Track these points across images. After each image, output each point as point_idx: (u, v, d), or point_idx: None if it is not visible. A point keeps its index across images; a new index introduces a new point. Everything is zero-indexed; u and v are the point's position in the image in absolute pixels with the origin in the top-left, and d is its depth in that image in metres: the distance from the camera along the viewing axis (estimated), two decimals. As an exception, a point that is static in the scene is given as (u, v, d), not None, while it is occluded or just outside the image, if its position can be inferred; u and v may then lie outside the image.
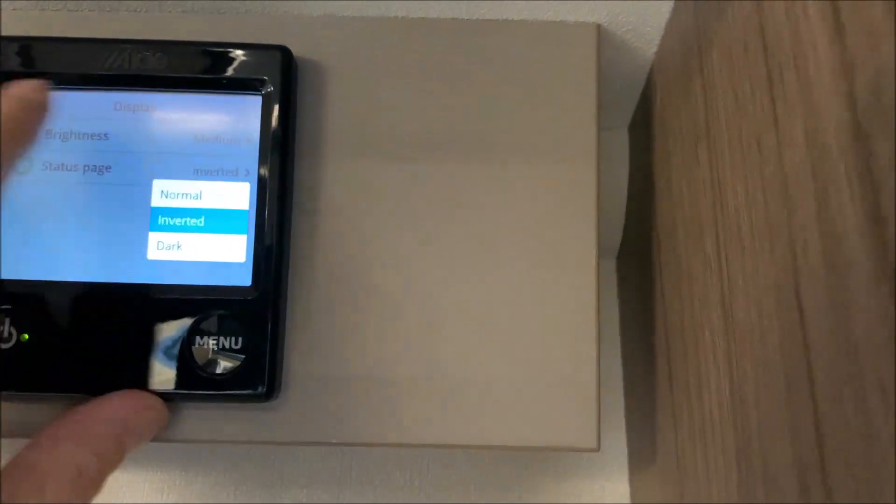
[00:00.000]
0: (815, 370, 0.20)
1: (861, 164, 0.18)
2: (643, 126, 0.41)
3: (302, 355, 0.34)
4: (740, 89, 0.26)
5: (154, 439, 0.33)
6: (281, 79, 0.34)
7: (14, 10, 0.36)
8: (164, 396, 0.33)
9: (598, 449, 0.33)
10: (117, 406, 0.31)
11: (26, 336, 0.33)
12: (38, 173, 0.34)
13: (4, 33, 0.35)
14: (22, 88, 0.28)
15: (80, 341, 0.33)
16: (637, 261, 0.42)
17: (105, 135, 0.34)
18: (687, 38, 0.33)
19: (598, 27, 0.36)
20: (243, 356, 0.33)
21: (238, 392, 0.33)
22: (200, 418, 0.34)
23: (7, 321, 0.33)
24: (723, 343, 0.28)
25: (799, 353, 0.21)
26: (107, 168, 0.34)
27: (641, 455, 0.41)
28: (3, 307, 0.33)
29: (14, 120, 0.27)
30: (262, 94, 0.34)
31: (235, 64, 0.34)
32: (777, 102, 0.23)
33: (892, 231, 0.17)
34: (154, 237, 0.34)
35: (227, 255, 0.33)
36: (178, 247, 0.34)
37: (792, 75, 0.22)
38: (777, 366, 0.23)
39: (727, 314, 0.27)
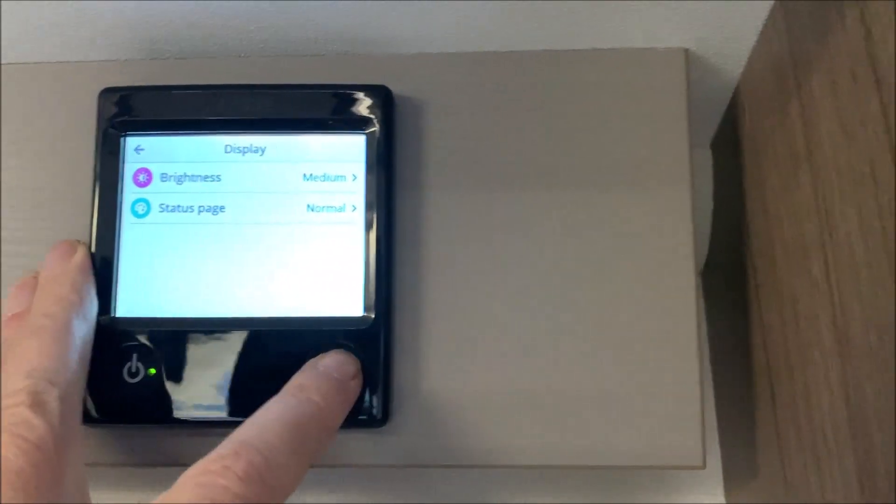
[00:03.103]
0: (950, 397, 0.21)
1: None
2: (729, 145, 0.42)
3: (409, 380, 0.35)
4: (848, 117, 0.27)
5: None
6: (383, 117, 0.35)
7: (126, 60, 0.38)
8: (284, 425, 0.34)
9: (703, 466, 0.34)
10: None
11: (153, 371, 0.34)
12: (155, 215, 0.36)
13: (119, 84, 0.36)
14: (339, 370, 0.33)
15: (204, 374, 0.34)
16: (726, 278, 0.43)
17: (217, 176, 0.36)
18: (780, 62, 0.33)
19: (687, 52, 0.37)
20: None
21: (355, 417, 0.34)
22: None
23: (135, 357, 0.35)
24: (836, 364, 0.28)
25: (929, 379, 0.22)
26: (220, 208, 0.36)
27: (739, 470, 0.41)
28: (132, 344, 0.35)
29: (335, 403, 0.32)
30: (365, 133, 0.36)
31: (339, 104, 0.36)
32: (892, 132, 0.24)
33: None
34: (267, 272, 0.35)
35: (339, 286, 0.35)
36: (292, 281, 0.35)
37: (910, 108, 0.23)
38: (904, 390, 0.23)
39: (840, 336, 0.28)
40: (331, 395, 0.31)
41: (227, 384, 0.34)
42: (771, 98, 0.35)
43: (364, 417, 0.34)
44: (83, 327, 0.32)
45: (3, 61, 0.38)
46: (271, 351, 0.34)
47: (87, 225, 0.35)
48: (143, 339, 0.35)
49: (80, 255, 0.34)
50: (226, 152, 0.36)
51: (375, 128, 0.36)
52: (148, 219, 0.36)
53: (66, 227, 0.36)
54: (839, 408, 0.28)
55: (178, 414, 0.34)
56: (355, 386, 0.33)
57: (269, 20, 0.36)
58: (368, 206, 0.35)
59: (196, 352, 0.34)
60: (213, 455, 0.27)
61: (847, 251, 0.27)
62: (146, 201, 0.36)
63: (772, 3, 0.34)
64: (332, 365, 0.32)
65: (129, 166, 0.36)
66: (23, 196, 0.37)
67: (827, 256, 0.29)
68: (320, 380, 0.32)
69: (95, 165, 0.36)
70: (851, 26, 0.27)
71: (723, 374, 0.44)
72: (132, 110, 0.36)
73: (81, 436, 0.30)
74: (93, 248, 0.35)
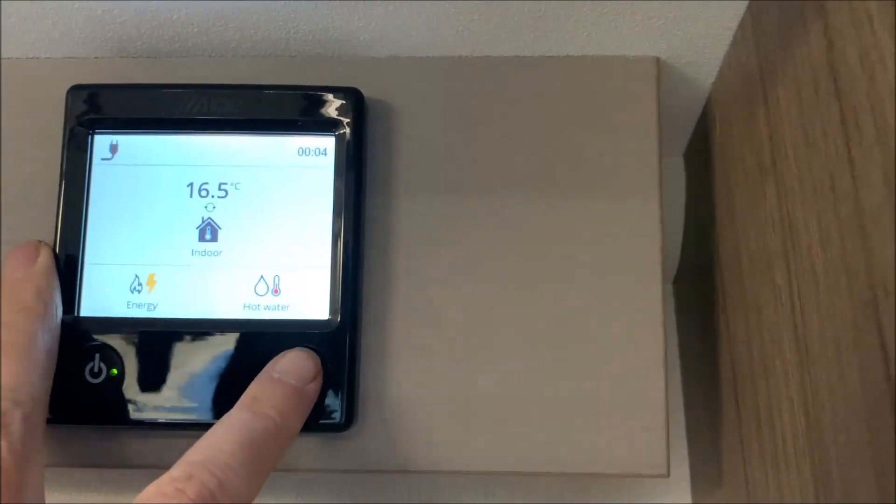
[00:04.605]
0: (900, 409, 0.21)
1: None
2: (701, 155, 0.42)
3: (374, 385, 0.35)
4: (811, 128, 0.27)
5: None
6: (353, 119, 0.35)
7: (96, 58, 0.38)
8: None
9: (667, 475, 0.34)
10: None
11: (115, 371, 0.34)
12: (123, 213, 0.36)
13: (89, 82, 0.36)
14: (297, 375, 0.32)
15: (166, 376, 0.34)
16: (697, 287, 0.43)
17: (185, 176, 0.36)
18: (748, 72, 0.34)
19: (658, 60, 0.37)
20: (322, 386, 0.34)
21: (318, 421, 0.34)
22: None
23: (97, 357, 0.34)
24: (796, 374, 0.28)
25: (882, 391, 0.22)
26: (192, 209, 0.35)
27: (706, 478, 0.41)
28: (95, 344, 0.34)
29: (291, 417, 0.31)
30: (335, 135, 0.35)
31: (309, 106, 0.36)
32: (852, 145, 0.24)
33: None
34: (232, 273, 0.35)
35: (305, 289, 0.35)
36: (257, 282, 0.35)
37: (868, 120, 0.23)
38: (858, 401, 0.23)
39: (801, 347, 0.28)
40: (287, 406, 0.31)
41: (190, 386, 0.34)
42: (740, 108, 0.35)
43: (328, 422, 0.34)
44: (47, 338, 0.32)
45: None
46: (236, 353, 0.34)
47: (52, 226, 0.35)
48: (106, 339, 0.34)
49: (44, 258, 0.34)
50: (194, 152, 0.36)
51: (346, 130, 0.35)
52: (115, 217, 0.36)
53: (32, 226, 0.36)
54: (798, 417, 0.28)
55: (140, 416, 0.34)
56: (314, 388, 0.33)
57: (240, 20, 0.36)
58: (336, 209, 0.35)
59: (159, 353, 0.34)
60: (165, 477, 0.27)
61: (808, 262, 0.27)
62: (113, 200, 0.36)
63: (741, 13, 0.34)
64: (288, 370, 0.32)
65: (97, 164, 0.36)
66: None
67: (790, 267, 0.29)
68: (276, 390, 0.31)
69: (62, 163, 0.36)
70: (815, 38, 0.27)
71: (692, 382, 0.44)
72: (101, 108, 0.36)
73: (44, 451, 0.30)
74: (58, 247, 0.35)
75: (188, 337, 0.34)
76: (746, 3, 0.33)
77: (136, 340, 0.34)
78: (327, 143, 0.36)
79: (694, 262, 0.43)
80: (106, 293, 0.35)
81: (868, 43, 0.23)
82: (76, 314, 0.35)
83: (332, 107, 0.36)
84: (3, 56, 0.38)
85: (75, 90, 0.36)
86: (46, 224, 0.35)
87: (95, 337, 0.34)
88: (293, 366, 0.32)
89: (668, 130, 0.43)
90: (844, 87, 0.24)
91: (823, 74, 0.26)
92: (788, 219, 0.29)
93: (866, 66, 0.23)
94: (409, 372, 0.35)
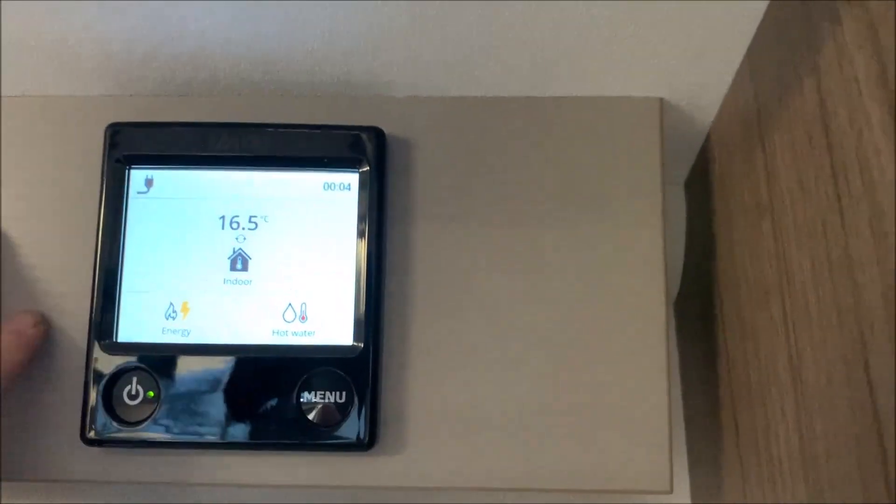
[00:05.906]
0: (885, 439, 0.23)
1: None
2: (701, 186, 0.44)
3: (396, 405, 0.37)
4: (804, 175, 0.29)
5: (261, 485, 0.37)
6: (375, 156, 0.38)
7: (131, 96, 0.40)
8: (275, 445, 0.36)
9: (671, 491, 0.36)
10: None
11: (152, 393, 0.36)
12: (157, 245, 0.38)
13: (122, 120, 0.38)
14: (18, 323, 0.37)
15: (200, 398, 0.36)
16: (696, 310, 0.45)
17: (216, 209, 0.38)
18: (747, 115, 0.36)
19: (661, 101, 0.39)
20: (346, 408, 0.36)
21: (342, 441, 0.36)
22: (303, 465, 0.37)
23: (135, 380, 0.36)
24: (791, 401, 0.31)
25: (869, 422, 0.24)
26: (224, 241, 0.38)
27: (706, 496, 0.44)
28: (132, 367, 0.36)
29: (9, 352, 0.36)
30: (358, 172, 0.38)
31: (333, 144, 0.38)
32: (842, 196, 0.26)
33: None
34: (261, 300, 0.37)
35: (330, 316, 0.37)
36: (285, 309, 0.37)
37: (856, 176, 0.25)
38: (848, 429, 0.26)
39: (795, 376, 0.30)
40: (7, 343, 0.36)
41: (222, 408, 0.36)
42: (738, 148, 0.37)
43: (352, 442, 0.36)
44: None
45: (8, 94, 0.40)
46: (264, 376, 0.36)
47: (92, 255, 0.37)
48: (143, 363, 0.36)
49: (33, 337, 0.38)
50: (226, 187, 0.38)
51: (368, 166, 0.38)
52: (151, 247, 0.38)
53: (73, 257, 0.38)
54: (793, 442, 0.30)
55: (175, 436, 0.36)
56: (36, 332, 0.37)
57: (268, 64, 0.38)
58: (360, 240, 0.37)
59: (193, 376, 0.36)
60: None
61: (802, 299, 0.29)
62: (149, 232, 0.38)
63: (740, 60, 0.36)
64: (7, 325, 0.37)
65: (133, 197, 0.38)
66: (27, 227, 0.39)
67: (784, 301, 0.31)
68: None
69: (101, 196, 0.38)
70: (809, 93, 0.29)
71: (692, 402, 0.47)
72: (137, 145, 0.38)
73: None
74: (97, 275, 0.37)
75: (220, 361, 0.36)
76: (744, 52, 0.36)
77: (171, 364, 0.36)
78: (351, 178, 0.38)
79: (694, 284, 0.46)
80: (142, 319, 0.37)
81: (856, 105, 0.25)
82: (114, 339, 0.37)
83: (356, 144, 0.38)
84: (43, 94, 0.40)
85: (113, 128, 0.38)
86: (86, 254, 0.37)
87: (133, 361, 0.37)
88: (13, 321, 0.37)
89: (671, 162, 0.46)
90: (835, 141, 0.27)
91: (816, 127, 0.28)
92: (784, 256, 0.31)
93: (854, 126, 0.25)
94: (428, 393, 0.37)
